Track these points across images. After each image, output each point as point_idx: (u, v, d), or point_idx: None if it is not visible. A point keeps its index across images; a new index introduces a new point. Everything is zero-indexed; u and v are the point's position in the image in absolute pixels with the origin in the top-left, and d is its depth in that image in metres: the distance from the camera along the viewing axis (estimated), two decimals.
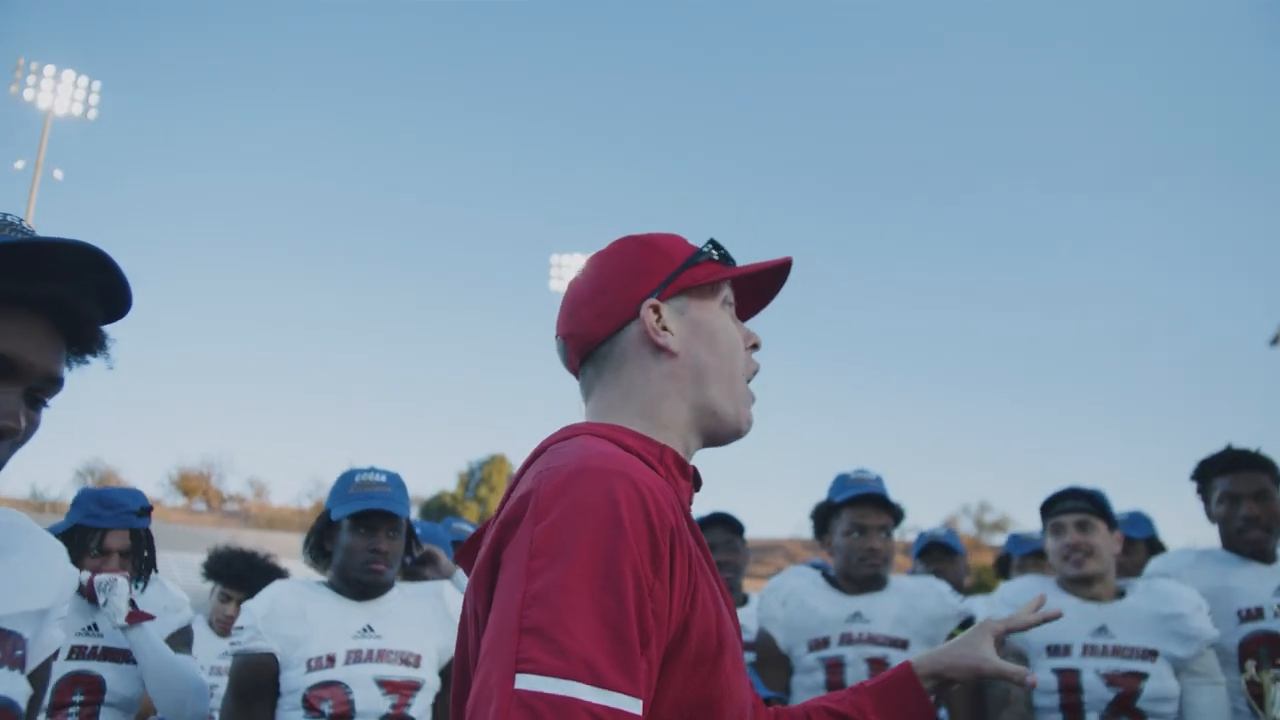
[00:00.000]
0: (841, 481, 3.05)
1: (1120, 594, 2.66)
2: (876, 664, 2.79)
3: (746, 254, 1.26)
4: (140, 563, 2.55)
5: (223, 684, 2.93)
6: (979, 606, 3.63)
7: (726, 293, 1.23)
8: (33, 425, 1.10)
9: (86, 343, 1.13)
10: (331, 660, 2.31)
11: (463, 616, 1.05)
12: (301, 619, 2.34)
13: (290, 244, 77.89)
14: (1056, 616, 1.39)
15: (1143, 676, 2.48)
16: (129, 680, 2.44)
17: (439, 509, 46.10)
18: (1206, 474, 2.94)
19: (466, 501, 49.88)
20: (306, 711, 2.25)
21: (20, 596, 1.26)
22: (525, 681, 0.80)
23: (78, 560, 2.41)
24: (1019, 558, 4.21)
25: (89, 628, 2.41)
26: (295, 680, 2.29)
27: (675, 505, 0.99)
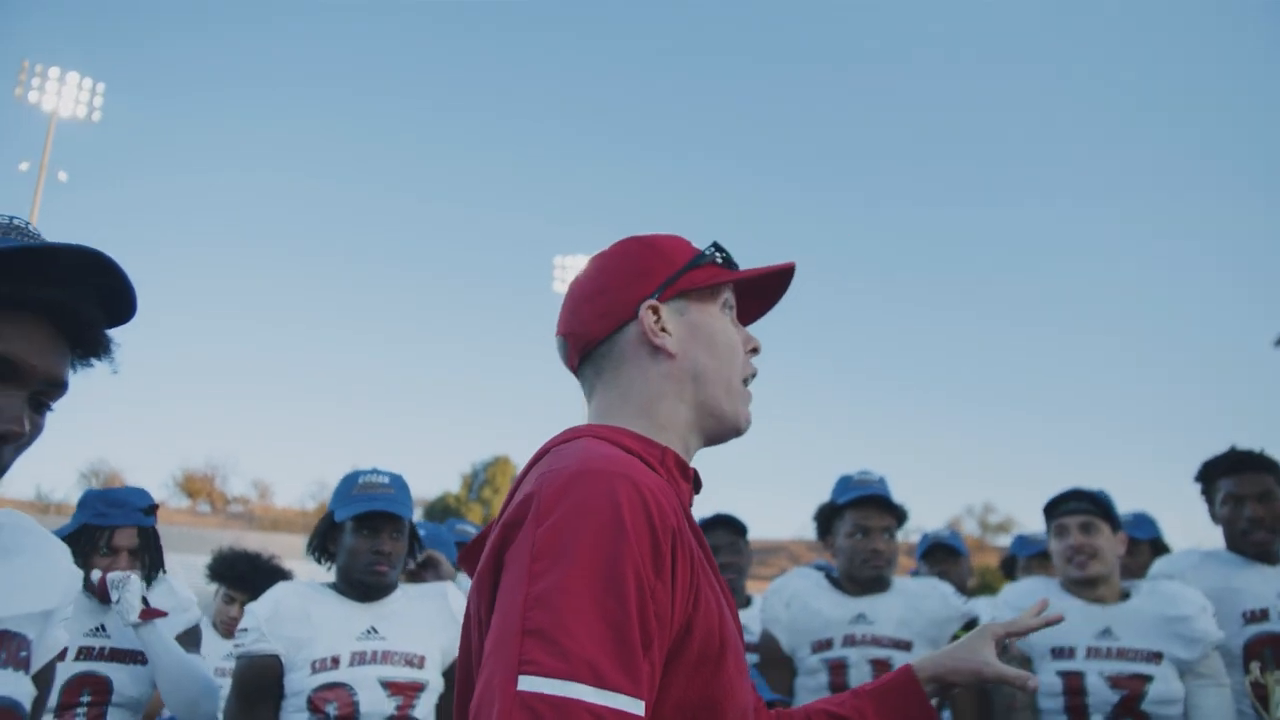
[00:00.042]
0: (845, 483, 3.04)
1: (1125, 595, 2.66)
2: (880, 665, 2.79)
3: (750, 256, 1.27)
4: (149, 561, 2.56)
5: (226, 686, 2.94)
6: (982, 608, 3.62)
7: (727, 296, 1.23)
8: (36, 429, 1.11)
9: (90, 346, 1.14)
10: (336, 662, 2.31)
11: (466, 618, 1.05)
12: (305, 620, 2.35)
13: (294, 244, 78.12)
14: (1058, 620, 1.39)
15: (1147, 679, 2.47)
16: (136, 681, 2.44)
17: (442, 510, 46.12)
18: (1210, 475, 2.93)
19: (470, 503, 49.92)
20: (311, 713, 2.25)
21: (24, 598, 1.27)
22: (528, 683, 0.81)
23: (87, 560, 2.42)
24: (1024, 559, 4.20)
25: (96, 629, 2.42)
26: (300, 682, 2.29)
27: (676, 507, 0.99)
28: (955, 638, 2.86)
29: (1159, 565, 2.98)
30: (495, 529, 0.99)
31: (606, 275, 1.21)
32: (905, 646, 2.82)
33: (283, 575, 3.79)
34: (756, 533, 4.04)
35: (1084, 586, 2.63)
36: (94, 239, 1.06)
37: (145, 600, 2.36)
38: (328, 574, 2.57)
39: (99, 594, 2.38)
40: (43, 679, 1.34)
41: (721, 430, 1.19)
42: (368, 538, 2.42)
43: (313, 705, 2.26)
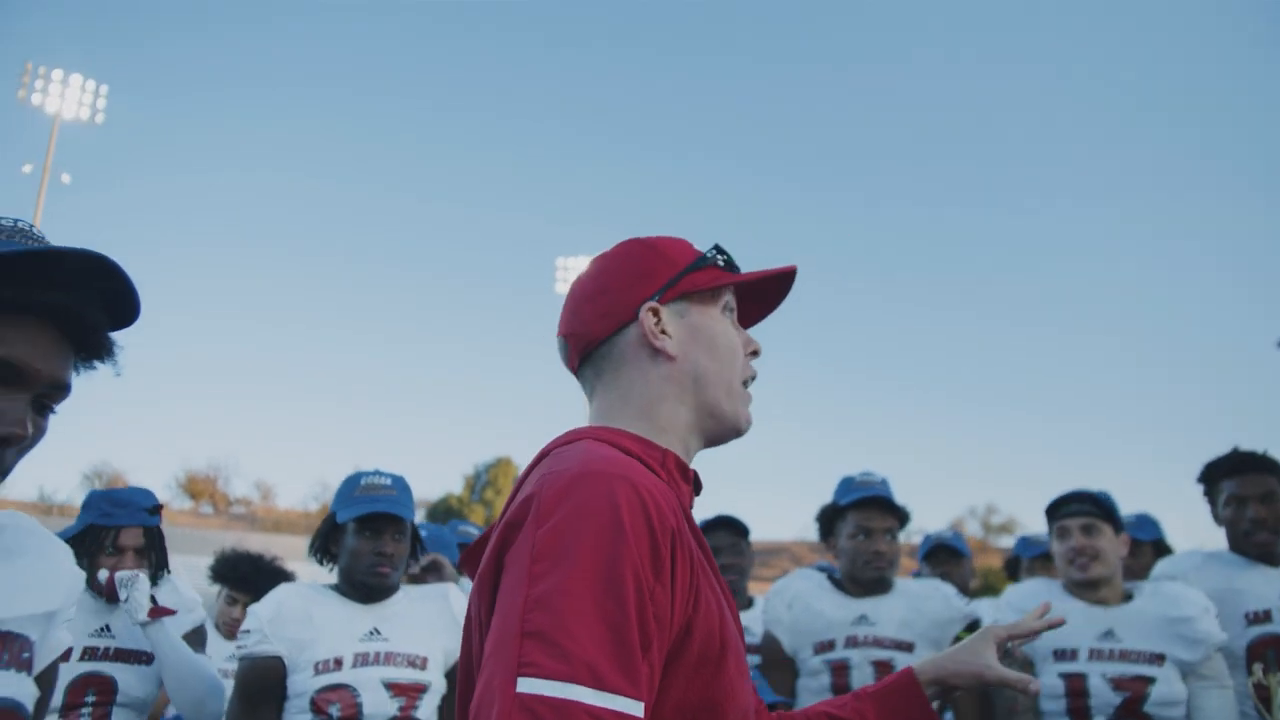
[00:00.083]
0: (847, 484, 3.04)
1: (1127, 597, 2.65)
2: (882, 667, 2.79)
3: (750, 256, 1.27)
4: (154, 560, 2.57)
5: (228, 687, 2.94)
6: (985, 609, 3.62)
7: (728, 298, 1.23)
8: (40, 431, 1.11)
9: (94, 349, 1.14)
10: (339, 663, 2.32)
11: (467, 619, 1.05)
12: (308, 622, 2.35)
13: (296, 245, 78.17)
14: (1060, 624, 1.39)
15: (1150, 680, 2.46)
16: (141, 681, 2.45)
17: (445, 512, 46.12)
18: (1213, 476, 2.92)
19: (472, 504, 49.91)
20: (314, 714, 2.26)
21: (27, 599, 1.27)
22: (527, 685, 0.81)
23: (93, 559, 2.43)
24: (1028, 560, 4.20)
25: (101, 629, 2.43)
26: (303, 683, 2.29)
27: (676, 508, 0.99)
28: (958, 639, 2.86)
29: (1161, 566, 2.98)
30: (496, 531, 0.99)
31: (608, 276, 1.21)
32: (907, 648, 2.82)
33: (285, 577, 3.79)
34: (758, 534, 4.04)
35: (1086, 588, 2.63)
36: (97, 240, 1.07)
37: (153, 599, 2.37)
38: (329, 575, 2.58)
39: (107, 593, 2.38)
40: (45, 680, 1.34)
41: (722, 431, 1.19)
42: (370, 539, 2.42)
43: (316, 706, 2.26)
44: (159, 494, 2.62)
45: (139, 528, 2.51)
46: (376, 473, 2.51)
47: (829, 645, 2.85)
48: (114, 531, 2.48)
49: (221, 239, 75.71)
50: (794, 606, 2.94)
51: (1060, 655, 2.57)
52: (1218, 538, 2.93)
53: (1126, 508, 2.96)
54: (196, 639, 2.62)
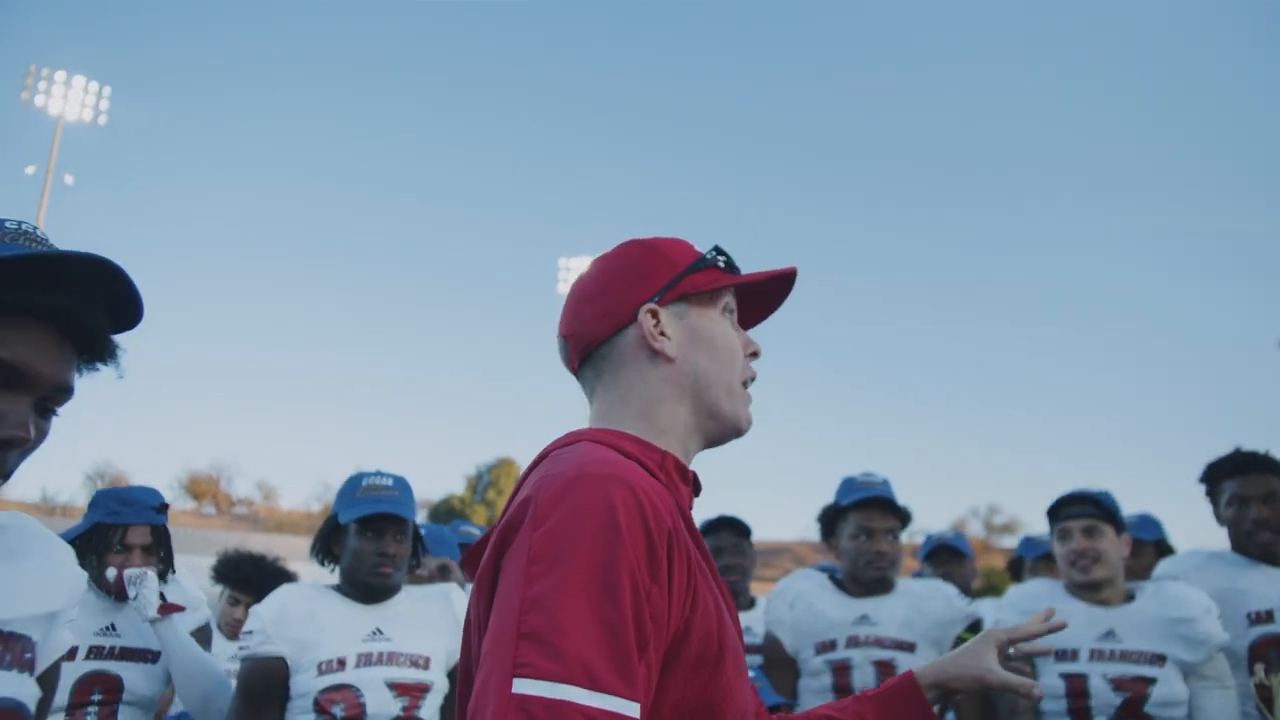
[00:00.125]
0: (848, 484, 3.04)
1: (1129, 597, 2.64)
2: (883, 667, 2.79)
3: (751, 256, 1.27)
4: (161, 559, 2.58)
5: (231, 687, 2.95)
6: (987, 609, 3.62)
7: (728, 299, 1.23)
8: (42, 434, 1.11)
9: (96, 352, 1.14)
10: (342, 663, 2.32)
11: (467, 620, 1.06)
12: (311, 622, 2.35)
13: (298, 245, 78.38)
14: (1062, 627, 1.38)
15: (1150, 681, 2.46)
16: (147, 680, 2.46)
17: (447, 512, 46.14)
18: (1215, 476, 2.92)
19: (474, 505, 49.92)
20: (318, 715, 2.26)
21: (29, 600, 1.27)
22: (522, 685, 0.82)
23: (101, 557, 2.44)
24: (1031, 560, 4.19)
25: (107, 628, 2.44)
26: (306, 684, 2.29)
27: (673, 509, 1.00)
28: (960, 639, 2.86)
29: (1163, 566, 2.97)
30: (495, 532, 0.99)
31: (609, 277, 1.21)
32: (909, 648, 2.81)
33: (287, 577, 3.79)
34: (760, 534, 4.04)
35: (1088, 590, 2.63)
36: (99, 241, 1.08)
37: (162, 595, 2.38)
38: (331, 576, 2.58)
39: (115, 591, 2.39)
40: (47, 680, 1.34)
41: (723, 432, 1.20)
42: (372, 540, 2.42)
43: (319, 707, 2.27)
44: (161, 495, 2.63)
45: (146, 526, 2.52)
46: (378, 473, 2.52)
47: (830, 645, 2.85)
48: (122, 529, 2.49)
49: (223, 239, 75.93)
50: (796, 607, 2.94)
51: (1061, 655, 2.56)
52: (1220, 538, 2.93)
53: (1128, 508, 2.96)
54: (202, 638, 2.63)
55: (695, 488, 1.19)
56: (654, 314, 1.17)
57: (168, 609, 2.37)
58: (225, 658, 3.63)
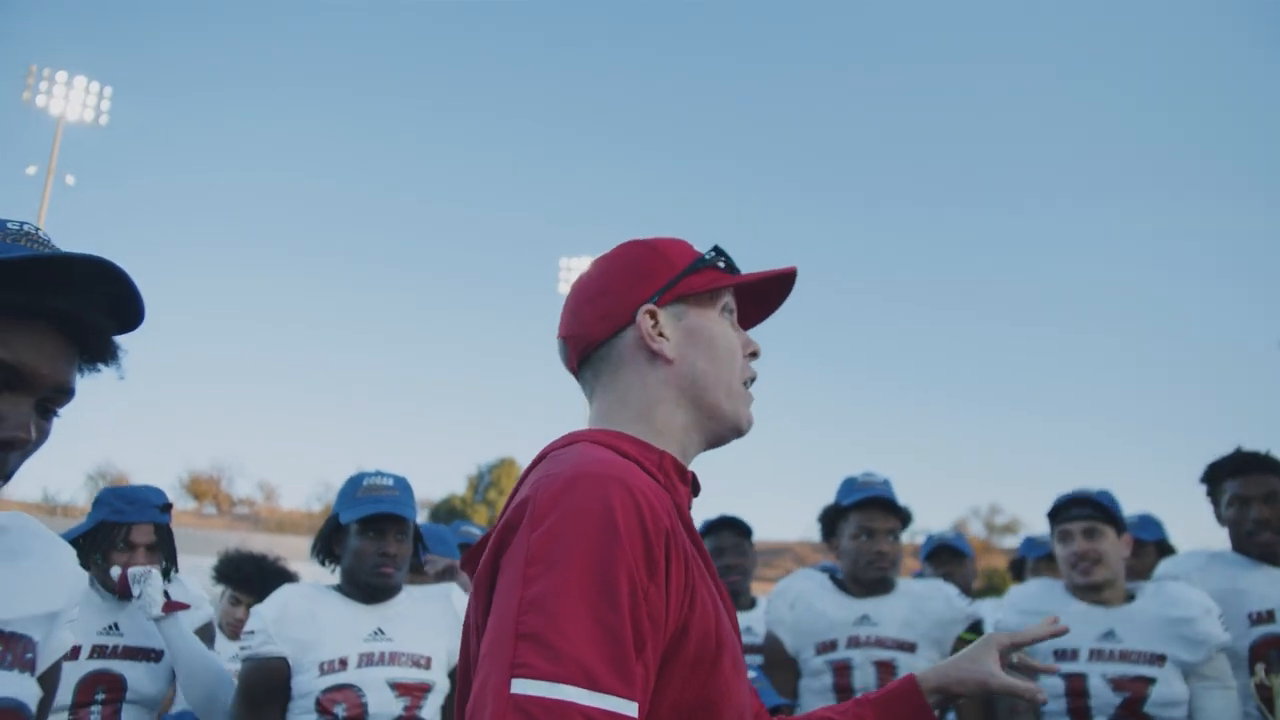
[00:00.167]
0: (849, 484, 3.04)
1: (1129, 597, 2.64)
2: (884, 667, 2.79)
3: (751, 256, 1.27)
4: (165, 557, 2.58)
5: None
6: (988, 609, 3.62)
7: (727, 300, 1.23)
8: (43, 435, 1.11)
9: (98, 353, 1.14)
10: (344, 663, 2.32)
11: (466, 620, 1.06)
12: (312, 622, 2.36)
13: (299, 245, 78.42)
14: (1064, 632, 1.39)
15: (1150, 681, 2.46)
16: (150, 679, 2.47)
17: (448, 512, 46.19)
18: (1216, 477, 2.92)
19: (475, 505, 49.98)
20: (319, 715, 2.26)
21: (30, 600, 1.28)
22: (521, 686, 0.82)
23: (105, 556, 2.44)
24: (1033, 560, 4.20)
25: (110, 627, 2.45)
26: (308, 684, 2.30)
27: (671, 510, 1.00)
28: (960, 639, 2.86)
29: (1164, 566, 2.97)
30: (494, 533, 0.99)
31: (609, 277, 1.21)
32: (909, 648, 2.82)
33: (289, 577, 3.79)
34: (761, 534, 4.04)
35: (1089, 591, 2.63)
36: (101, 241, 1.08)
37: (166, 594, 2.39)
38: (332, 576, 2.58)
39: (120, 589, 2.40)
40: (48, 680, 1.34)
41: (723, 432, 1.19)
42: (373, 540, 2.43)
43: (321, 707, 2.27)
44: (165, 494, 2.64)
45: (150, 525, 2.53)
46: (379, 473, 2.52)
47: (831, 645, 2.85)
48: (126, 528, 2.49)
49: (224, 239, 75.98)
50: (796, 607, 2.94)
51: (1060, 655, 2.56)
52: (1221, 538, 2.93)
53: (1129, 508, 2.96)
54: (204, 636, 2.64)
55: (695, 488, 1.18)
56: (652, 315, 1.16)
57: (172, 607, 2.37)
58: (227, 658, 3.64)
